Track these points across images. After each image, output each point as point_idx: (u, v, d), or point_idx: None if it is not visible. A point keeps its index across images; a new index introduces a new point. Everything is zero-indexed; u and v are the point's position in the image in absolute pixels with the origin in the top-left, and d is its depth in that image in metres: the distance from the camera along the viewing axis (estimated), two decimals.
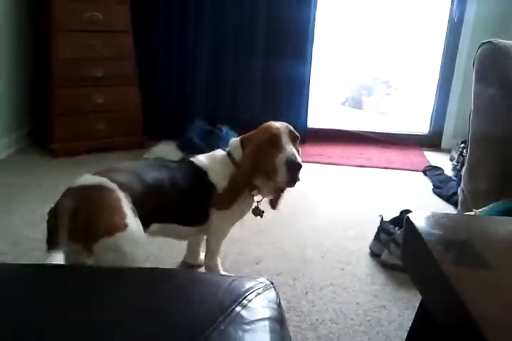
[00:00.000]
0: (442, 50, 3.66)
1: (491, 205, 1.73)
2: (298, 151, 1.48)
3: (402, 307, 1.66)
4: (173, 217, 1.47)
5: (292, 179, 1.43)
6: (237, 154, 1.56)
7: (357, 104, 5.49)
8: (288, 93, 3.48)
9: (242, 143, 1.56)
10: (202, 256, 1.80)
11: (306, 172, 2.97)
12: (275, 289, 0.90)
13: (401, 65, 5.42)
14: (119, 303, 0.79)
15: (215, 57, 3.42)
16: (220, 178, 1.52)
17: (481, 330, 0.58)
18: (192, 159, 1.56)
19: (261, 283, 0.88)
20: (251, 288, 0.85)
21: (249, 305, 0.80)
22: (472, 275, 0.70)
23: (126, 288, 0.83)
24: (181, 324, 0.73)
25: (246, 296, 0.82)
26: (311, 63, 3.50)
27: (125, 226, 1.14)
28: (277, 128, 1.48)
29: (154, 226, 1.39)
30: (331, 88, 5.66)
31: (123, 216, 1.15)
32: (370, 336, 1.51)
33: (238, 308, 0.78)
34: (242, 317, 0.76)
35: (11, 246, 1.92)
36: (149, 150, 3.06)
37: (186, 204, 1.47)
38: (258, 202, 1.64)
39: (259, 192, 1.60)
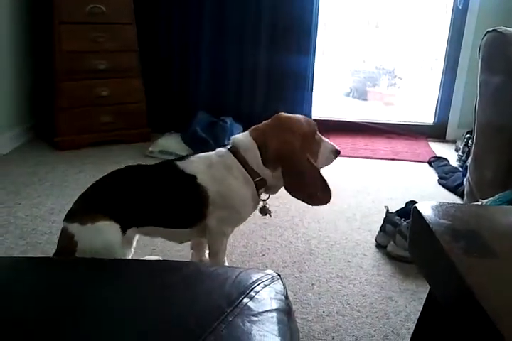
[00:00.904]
0: (447, 39, 3.62)
1: (497, 195, 1.72)
2: None
3: (408, 299, 1.66)
4: (155, 221, 1.44)
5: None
6: (252, 154, 1.43)
7: (361, 95, 5.46)
8: (292, 84, 3.46)
9: (260, 140, 1.43)
10: (207, 255, 1.77)
11: None
12: (282, 281, 0.89)
13: (406, 54, 5.38)
14: (127, 295, 0.79)
15: (219, 49, 3.40)
16: (215, 181, 1.42)
17: (491, 319, 0.58)
18: (177, 161, 1.46)
19: (268, 274, 0.88)
20: (258, 279, 0.85)
21: (256, 296, 0.79)
22: (481, 265, 0.69)
23: (134, 281, 0.83)
24: (189, 316, 0.73)
25: (253, 288, 0.81)
26: (314, 54, 3.48)
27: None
28: (311, 120, 1.52)
29: (136, 230, 1.43)
30: (335, 79, 5.64)
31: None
32: (376, 328, 1.50)
33: (246, 300, 0.78)
34: (249, 308, 0.76)
35: (18, 240, 1.93)
36: (154, 142, 3.05)
37: (167, 208, 1.42)
38: (264, 200, 1.56)
39: (269, 190, 1.52)
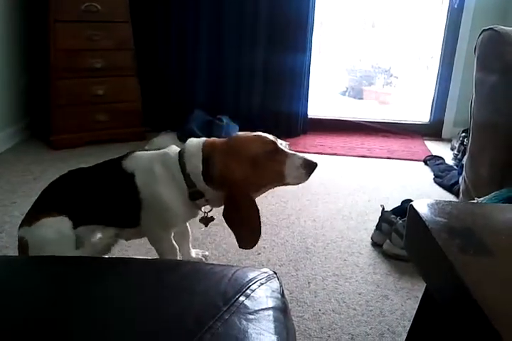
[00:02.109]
0: (442, 38, 3.62)
1: (493, 193, 1.73)
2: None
3: (404, 297, 1.66)
4: (98, 219, 1.43)
5: (307, 179, 1.40)
6: (194, 163, 1.36)
7: (357, 94, 5.46)
8: (288, 83, 3.46)
9: (207, 153, 1.36)
10: (193, 253, 1.77)
11: None
12: (278, 279, 0.89)
13: (401, 53, 5.39)
14: (123, 293, 0.78)
15: (215, 48, 3.40)
16: (147, 183, 1.37)
17: (487, 317, 0.58)
18: (123, 160, 1.41)
19: (264, 273, 0.88)
20: (254, 278, 0.85)
21: (252, 294, 0.79)
22: (477, 263, 0.69)
23: (130, 279, 0.83)
24: (185, 314, 0.73)
25: (249, 286, 0.81)
26: (310, 53, 3.48)
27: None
28: (268, 138, 1.38)
29: (86, 228, 1.42)
30: (331, 78, 5.64)
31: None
32: (372, 326, 1.51)
33: (242, 298, 0.77)
34: (245, 306, 0.76)
35: (13, 239, 1.91)
36: (150, 141, 3.05)
37: (108, 206, 1.40)
38: (206, 212, 1.49)
39: (208, 203, 1.44)
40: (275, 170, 1.35)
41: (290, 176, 1.37)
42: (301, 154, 1.39)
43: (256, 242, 1.40)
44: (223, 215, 1.36)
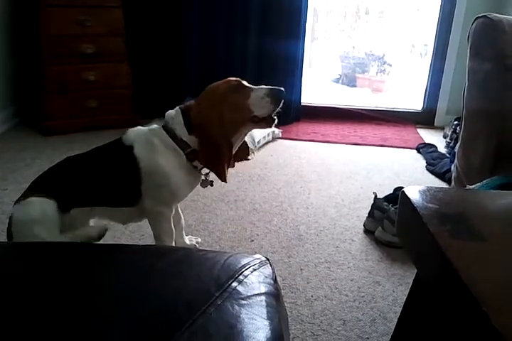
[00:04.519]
0: (436, 25, 3.61)
1: (484, 181, 1.74)
2: None
3: (395, 283, 1.67)
4: (95, 199, 1.44)
5: (276, 109, 1.42)
6: (177, 123, 1.43)
7: (351, 81, 5.45)
8: (281, 70, 3.44)
9: (186, 112, 1.44)
10: (186, 240, 1.77)
11: (300, 150, 2.98)
12: (271, 265, 0.90)
13: (395, 41, 5.37)
14: (115, 280, 0.78)
15: (208, 34, 3.37)
16: (146, 151, 1.42)
17: (478, 302, 0.58)
18: (123, 135, 1.47)
19: (257, 259, 0.88)
20: (247, 264, 0.85)
21: (245, 280, 0.80)
22: (468, 248, 0.70)
23: (122, 265, 0.83)
24: (178, 299, 0.73)
25: (242, 272, 0.82)
26: (304, 40, 3.46)
27: None
28: (232, 78, 1.44)
29: (81, 210, 1.44)
30: (324, 65, 5.62)
31: None
32: (364, 312, 1.52)
33: (234, 284, 0.78)
34: (238, 292, 0.76)
35: (4, 226, 1.91)
36: None
37: (106, 183, 1.42)
38: (206, 174, 1.52)
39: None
40: (241, 103, 1.40)
41: (256, 107, 1.40)
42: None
43: (225, 175, 1.44)
44: (199, 159, 1.43)
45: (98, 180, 1.42)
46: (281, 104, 1.42)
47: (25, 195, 1.41)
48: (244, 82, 1.44)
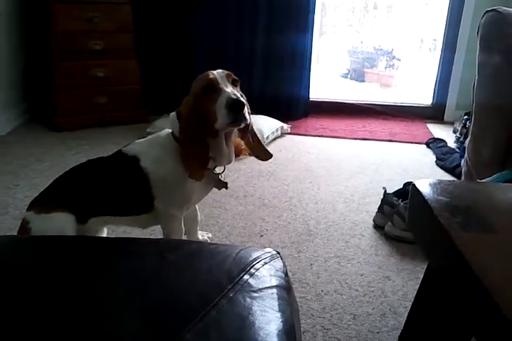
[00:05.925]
0: (445, 20, 3.59)
1: (494, 175, 1.73)
2: (241, 95, 1.34)
3: (405, 278, 1.67)
4: (110, 210, 1.46)
5: (235, 120, 1.28)
6: (176, 127, 1.40)
7: (359, 76, 5.43)
8: (289, 65, 3.44)
9: (179, 114, 1.41)
10: (199, 236, 1.78)
11: (309, 145, 2.98)
12: (282, 259, 0.90)
13: (404, 35, 5.34)
14: (128, 273, 0.79)
15: (216, 29, 3.37)
16: (153, 161, 1.40)
17: (489, 293, 0.59)
18: (123, 147, 1.47)
19: (268, 252, 0.89)
20: (258, 257, 0.85)
21: (256, 273, 0.80)
22: (478, 240, 0.70)
23: (135, 258, 0.83)
24: (190, 292, 0.74)
25: (253, 265, 0.82)
26: (312, 35, 3.45)
27: None
28: (212, 74, 1.33)
29: (97, 220, 1.47)
30: (333, 60, 5.60)
31: None
32: (374, 306, 1.52)
33: (246, 277, 0.78)
34: (249, 285, 0.77)
35: (17, 221, 1.92)
36: (152, 123, 3.04)
37: (118, 195, 1.43)
38: (219, 174, 1.48)
39: (214, 162, 1.43)
40: (210, 108, 1.31)
41: (219, 115, 1.29)
42: (235, 91, 1.31)
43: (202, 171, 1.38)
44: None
45: (113, 192, 1.42)
46: (244, 118, 1.30)
47: (45, 206, 1.41)
48: (219, 80, 1.32)
